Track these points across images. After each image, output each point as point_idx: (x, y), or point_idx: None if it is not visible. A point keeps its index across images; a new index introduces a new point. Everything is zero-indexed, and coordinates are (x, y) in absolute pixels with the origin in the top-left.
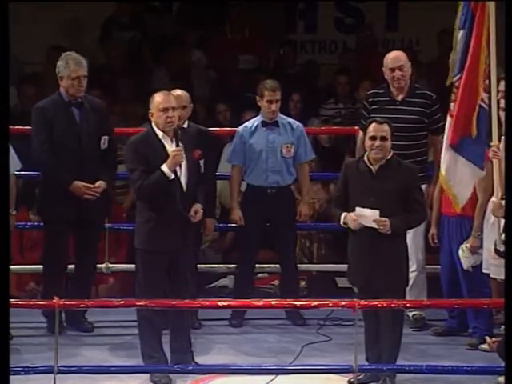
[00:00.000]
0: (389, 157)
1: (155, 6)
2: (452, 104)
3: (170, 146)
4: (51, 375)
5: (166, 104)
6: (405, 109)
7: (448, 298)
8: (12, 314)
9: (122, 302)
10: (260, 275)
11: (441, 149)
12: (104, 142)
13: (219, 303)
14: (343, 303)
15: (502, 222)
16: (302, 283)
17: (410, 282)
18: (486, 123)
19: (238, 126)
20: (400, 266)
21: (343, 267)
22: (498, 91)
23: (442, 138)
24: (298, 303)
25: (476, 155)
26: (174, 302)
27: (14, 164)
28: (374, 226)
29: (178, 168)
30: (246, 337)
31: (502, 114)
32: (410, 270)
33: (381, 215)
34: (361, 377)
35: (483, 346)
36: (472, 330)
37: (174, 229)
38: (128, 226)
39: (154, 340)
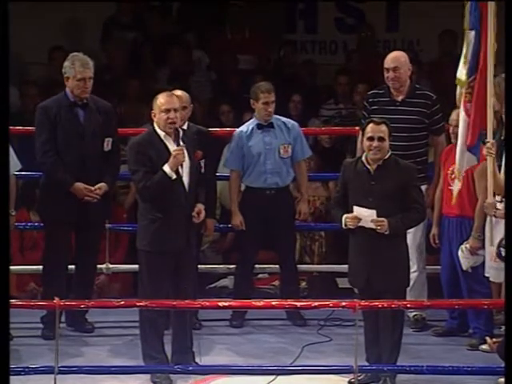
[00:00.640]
0: (387, 157)
1: (155, 6)
2: (469, 104)
3: (173, 147)
4: (51, 376)
5: (169, 105)
6: (405, 109)
7: (448, 299)
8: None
9: (123, 303)
10: (260, 276)
11: (441, 149)
12: (107, 143)
13: (219, 304)
14: (344, 304)
15: (502, 225)
16: (303, 284)
17: (411, 283)
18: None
19: (238, 126)
20: (400, 267)
21: (343, 268)
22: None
23: (443, 139)
24: (298, 304)
25: None
26: (174, 303)
27: (14, 164)
28: (372, 226)
29: (180, 168)
30: (246, 337)
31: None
32: (411, 270)
33: (379, 215)
34: (361, 377)
35: (483, 347)
36: (472, 331)
37: (179, 229)
38: (128, 227)
39: (155, 341)
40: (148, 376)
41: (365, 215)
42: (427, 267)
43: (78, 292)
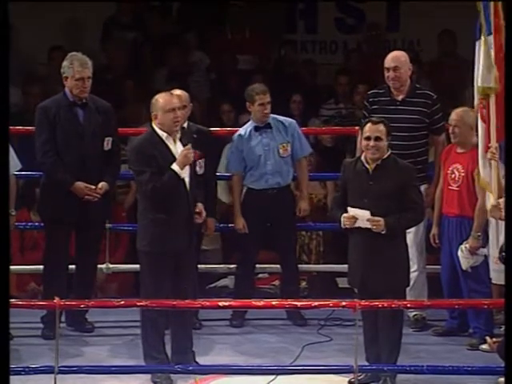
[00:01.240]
0: (385, 156)
1: (156, 7)
2: (484, 110)
3: (174, 147)
4: (52, 375)
5: (172, 104)
6: (405, 109)
7: (448, 299)
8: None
9: (123, 303)
10: (260, 275)
11: (442, 149)
12: (107, 143)
13: (220, 303)
14: (344, 303)
15: (503, 227)
16: (303, 283)
17: (411, 283)
18: None
19: (238, 126)
20: (399, 267)
21: (344, 267)
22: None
23: (443, 138)
24: (298, 303)
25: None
26: (174, 303)
27: (14, 164)
28: (368, 225)
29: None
30: (246, 337)
31: None
32: (411, 270)
33: (376, 215)
34: (361, 377)
35: (484, 347)
36: (472, 331)
37: (180, 229)
38: (128, 227)
39: (156, 341)
40: (148, 376)
41: (359, 215)
42: (427, 267)
43: (78, 292)
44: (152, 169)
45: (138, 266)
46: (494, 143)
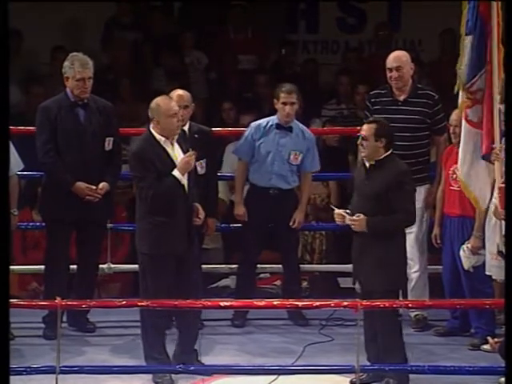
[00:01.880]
0: (382, 157)
1: (157, 7)
2: (468, 110)
3: (172, 150)
4: (53, 375)
5: (174, 110)
6: (407, 109)
7: (450, 299)
8: (14, 314)
9: (124, 303)
10: (262, 275)
11: (443, 149)
12: (108, 143)
13: (221, 303)
14: (345, 303)
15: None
16: (304, 283)
17: (412, 283)
18: None
19: (239, 126)
20: (387, 267)
21: (345, 267)
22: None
23: (445, 138)
24: (300, 303)
25: None
26: (175, 303)
27: (16, 164)
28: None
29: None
30: (248, 337)
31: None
32: (413, 270)
33: (365, 214)
34: (363, 377)
35: (485, 347)
36: (474, 331)
37: (180, 232)
38: (129, 227)
39: (157, 342)
40: (149, 376)
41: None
42: (429, 267)
43: (80, 292)
44: (153, 174)
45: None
46: (497, 143)
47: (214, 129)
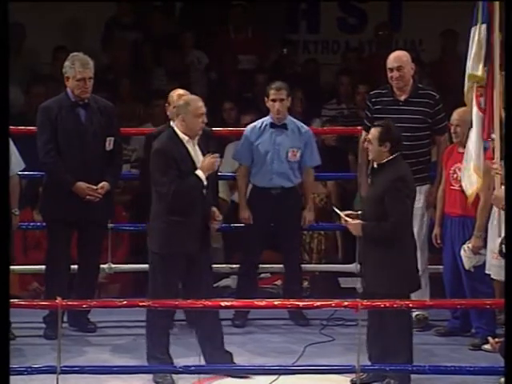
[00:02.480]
0: (385, 160)
1: (158, 7)
2: (481, 99)
3: (193, 150)
4: (54, 375)
5: (202, 110)
6: (408, 109)
7: (451, 299)
8: (15, 314)
9: (125, 303)
10: (263, 275)
11: (444, 149)
12: (109, 143)
13: (222, 303)
14: (346, 303)
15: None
16: (305, 283)
17: None
18: None
19: (240, 126)
20: (388, 271)
21: (346, 267)
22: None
23: (446, 138)
24: (300, 303)
25: None
26: (176, 302)
27: (18, 164)
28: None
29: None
30: (248, 337)
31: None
32: None
33: (362, 219)
34: (364, 377)
35: (486, 347)
36: (475, 331)
37: (195, 232)
38: (129, 226)
39: (161, 342)
40: (150, 376)
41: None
42: (429, 267)
43: (81, 292)
44: (175, 172)
45: (140, 265)
46: (497, 159)
47: (214, 128)
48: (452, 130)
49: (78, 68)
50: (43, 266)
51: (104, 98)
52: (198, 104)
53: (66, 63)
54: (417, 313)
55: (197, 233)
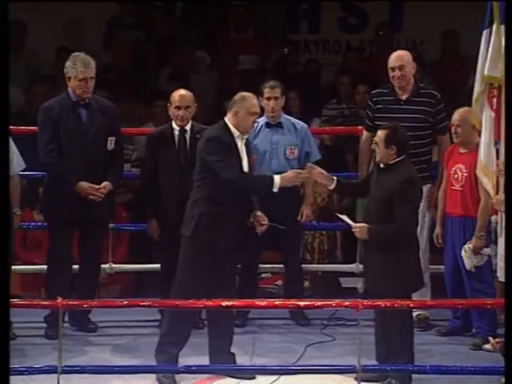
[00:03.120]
0: (391, 162)
1: (159, 7)
2: (494, 99)
3: (241, 147)
4: (55, 375)
5: (256, 109)
6: (409, 108)
7: (452, 299)
8: (16, 313)
9: (126, 303)
10: (263, 275)
11: (446, 148)
12: (111, 142)
13: (223, 303)
14: (347, 303)
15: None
16: (306, 283)
17: None
18: None
19: None
20: (389, 273)
21: (347, 267)
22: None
23: (447, 138)
24: (301, 303)
25: None
26: (177, 303)
27: (19, 164)
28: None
29: (245, 167)
30: (249, 337)
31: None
32: None
33: (367, 220)
34: (365, 377)
35: (487, 347)
36: (476, 331)
37: (233, 227)
38: (130, 226)
39: (179, 338)
40: (151, 375)
41: (348, 222)
42: (431, 267)
43: (82, 292)
44: (233, 157)
45: (140, 266)
46: (501, 160)
47: None
48: (453, 130)
49: (79, 68)
50: (44, 266)
51: (105, 98)
52: (254, 102)
53: (68, 63)
54: (418, 313)
55: (234, 228)
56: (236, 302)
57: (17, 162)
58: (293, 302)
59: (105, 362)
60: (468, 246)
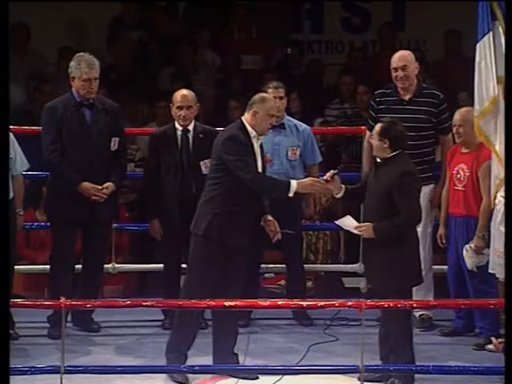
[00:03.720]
0: (388, 156)
1: (162, 7)
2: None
3: (256, 147)
4: (58, 375)
5: (275, 111)
6: (412, 108)
7: (455, 299)
8: (19, 313)
9: (128, 302)
10: (266, 275)
11: (448, 149)
12: (114, 143)
13: (225, 303)
14: (349, 303)
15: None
16: (309, 283)
17: None
18: None
19: None
20: (391, 268)
21: (350, 267)
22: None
23: (450, 138)
24: (304, 303)
25: None
26: (180, 303)
27: (23, 164)
28: (357, 232)
29: (260, 167)
30: (252, 337)
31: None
32: None
33: (367, 215)
34: (368, 377)
35: (490, 347)
36: (479, 331)
37: (246, 227)
38: (133, 226)
39: (188, 335)
40: (153, 375)
41: (347, 224)
42: (434, 267)
43: (85, 291)
44: (250, 156)
45: (143, 265)
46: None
47: (218, 128)
48: (454, 131)
49: (83, 68)
50: (47, 266)
51: (108, 98)
52: (273, 103)
53: (72, 63)
54: (421, 313)
55: (247, 228)
56: (239, 302)
57: (20, 161)
58: (296, 302)
59: (108, 362)
60: (469, 245)
